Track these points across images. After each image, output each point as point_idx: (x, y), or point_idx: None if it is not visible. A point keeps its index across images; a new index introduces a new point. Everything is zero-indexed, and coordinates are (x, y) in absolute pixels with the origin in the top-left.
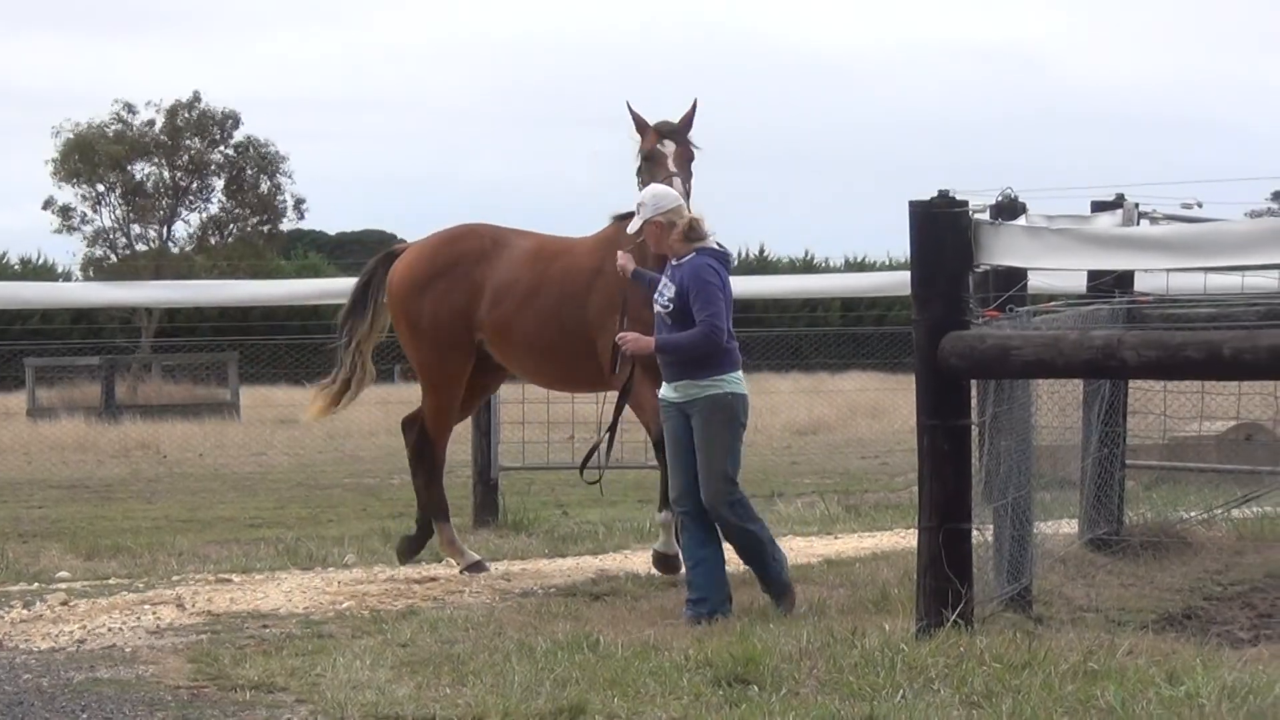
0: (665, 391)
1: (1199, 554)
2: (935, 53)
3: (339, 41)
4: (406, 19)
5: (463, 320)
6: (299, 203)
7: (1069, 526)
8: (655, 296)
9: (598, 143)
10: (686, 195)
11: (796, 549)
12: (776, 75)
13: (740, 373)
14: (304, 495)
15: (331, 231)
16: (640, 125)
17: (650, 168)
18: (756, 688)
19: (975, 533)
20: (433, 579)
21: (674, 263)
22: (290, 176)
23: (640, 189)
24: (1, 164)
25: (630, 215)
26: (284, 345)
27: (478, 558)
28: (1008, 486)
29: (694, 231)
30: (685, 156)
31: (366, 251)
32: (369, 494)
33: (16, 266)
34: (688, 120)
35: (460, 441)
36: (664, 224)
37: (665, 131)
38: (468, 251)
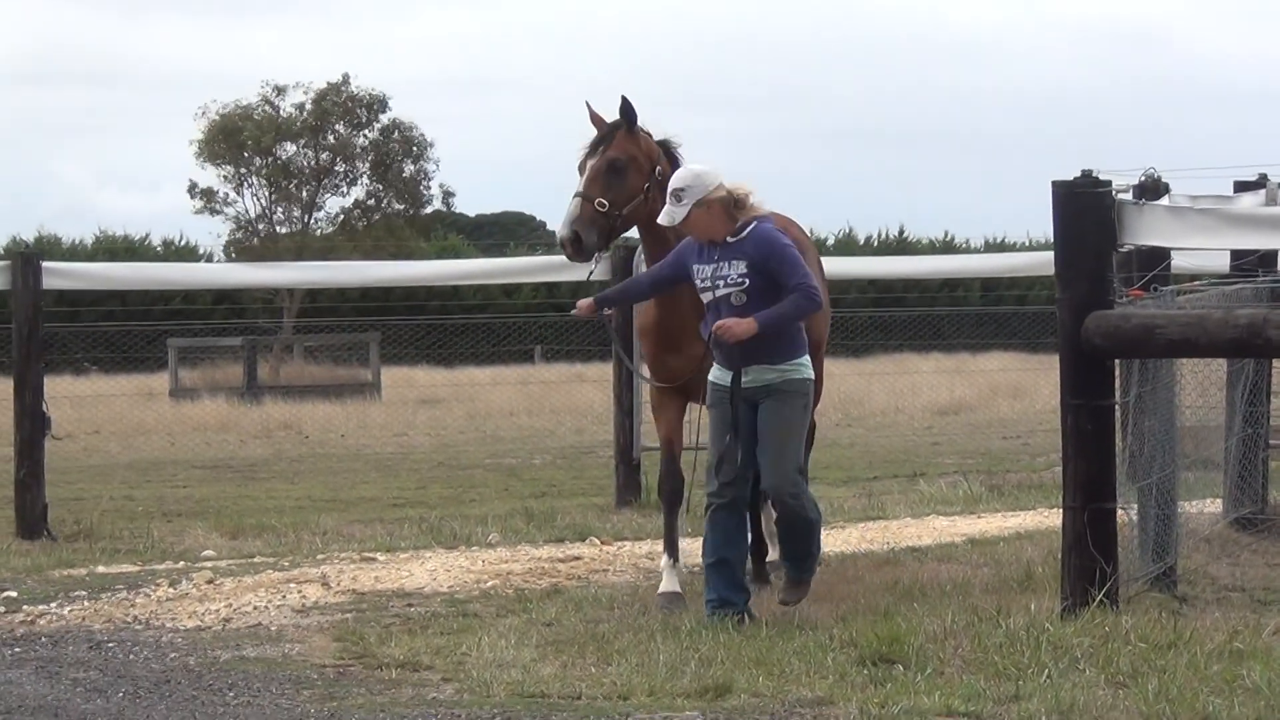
0: (721, 376)
1: None
2: (1071, 30)
3: (482, 21)
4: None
5: None
6: (448, 195)
7: (1213, 506)
8: (707, 283)
9: (736, 124)
10: (607, 211)
11: (940, 529)
12: (914, 54)
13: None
14: (445, 475)
15: (471, 214)
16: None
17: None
18: (901, 667)
19: (1120, 512)
20: (576, 558)
21: (729, 240)
22: (436, 164)
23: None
24: (144, 146)
25: None
26: (425, 326)
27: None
28: (1152, 466)
29: (741, 202)
30: (606, 166)
31: (505, 233)
32: (510, 474)
33: (159, 248)
34: (619, 123)
35: (604, 422)
36: (714, 202)
37: (593, 143)
38: None
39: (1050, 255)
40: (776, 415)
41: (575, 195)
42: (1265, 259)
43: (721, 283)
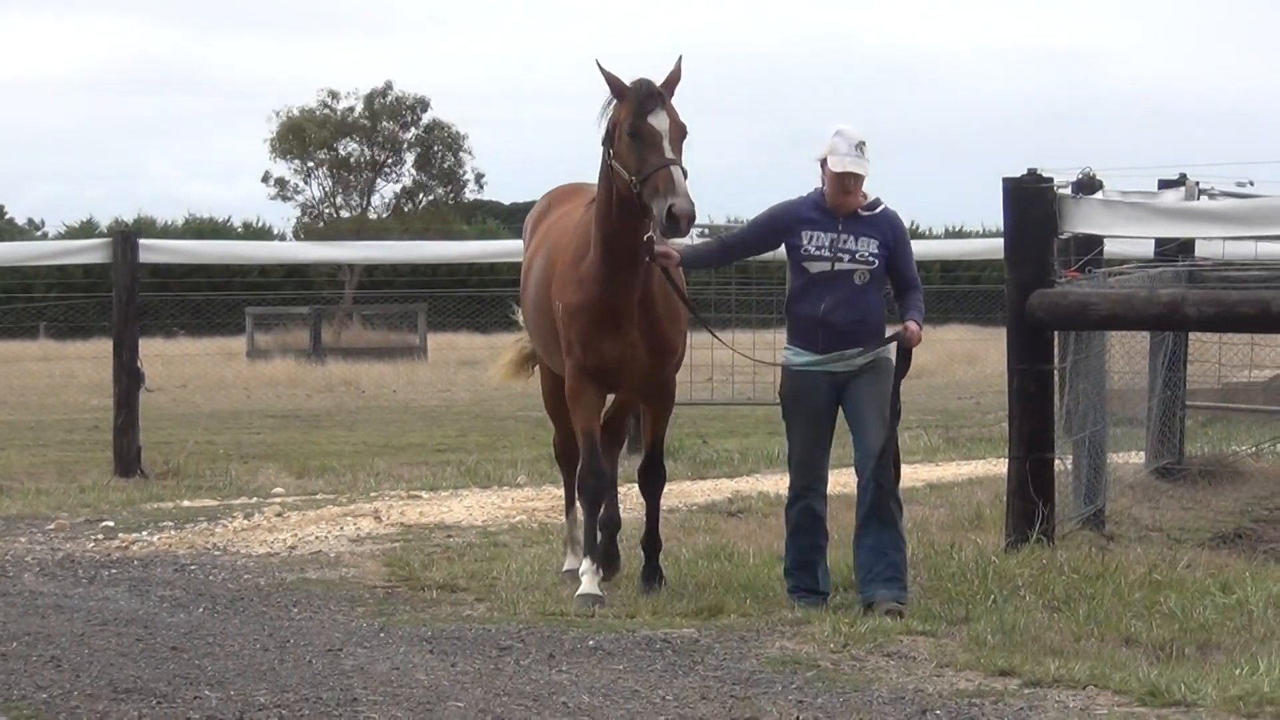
0: (809, 361)
1: (1249, 482)
2: (1009, 54)
3: (510, 37)
4: (569, 19)
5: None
6: (479, 177)
7: (1137, 458)
8: (825, 253)
9: (737, 130)
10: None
11: (903, 475)
12: (878, 73)
13: None
14: (482, 425)
15: (506, 202)
16: (617, 89)
17: (639, 147)
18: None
19: (1057, 462)
20: None
21: (861, 213)
22: (470, 153)
23: (616, 165)
24: (224, 145)
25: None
26: (465, 297)
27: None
28: (1085, 423)
29: None
30: (680, 133)
31: None
32: (538, 425)
33: (239, 229)
34: (672, 82)
35: None
36: (859, 176)
37: (649, 100)
38: (531, 218)
39: (1000, 242)
40: (869, 395)
41: (672, 165)
42: (1184, 246)
43: (847, 256)
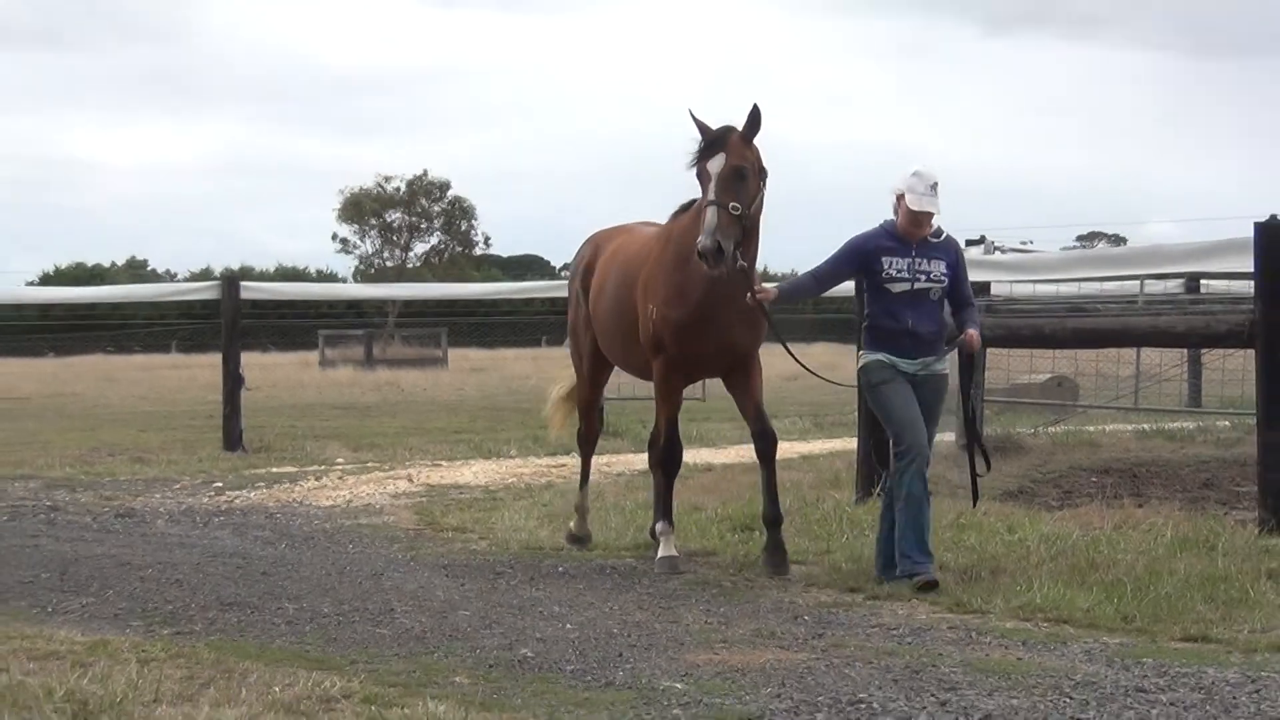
0: (895, 360)
1: (1028, 454)
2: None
3: (511, 135)
4: (552, 120)
5: (582, 316)
6: (486, 237)
7: (949, 436)
8: (905, 275)
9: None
10: (741, 215)
11: (784, 449)
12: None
13: None
14: (486, 414)
15: (505, 255)
16: (704, 134)
17: (701, 187)
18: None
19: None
20: (562, 465)
21: (931, 239)
22: (479, 220)
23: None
24: (303, 214)
25: (690, 204)
26: (475, 323)
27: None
28: None
29: None
30: (733, 173)
31: (525, 268)
32: (526, 414)
33: (314, 274)
34: (749, 132)
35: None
36: (932, 213)
37: (711, 146)
38: (582, 259)
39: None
40: (933, 400)
41: (710, 204)
42: (983, 287)
43: (924, 277)
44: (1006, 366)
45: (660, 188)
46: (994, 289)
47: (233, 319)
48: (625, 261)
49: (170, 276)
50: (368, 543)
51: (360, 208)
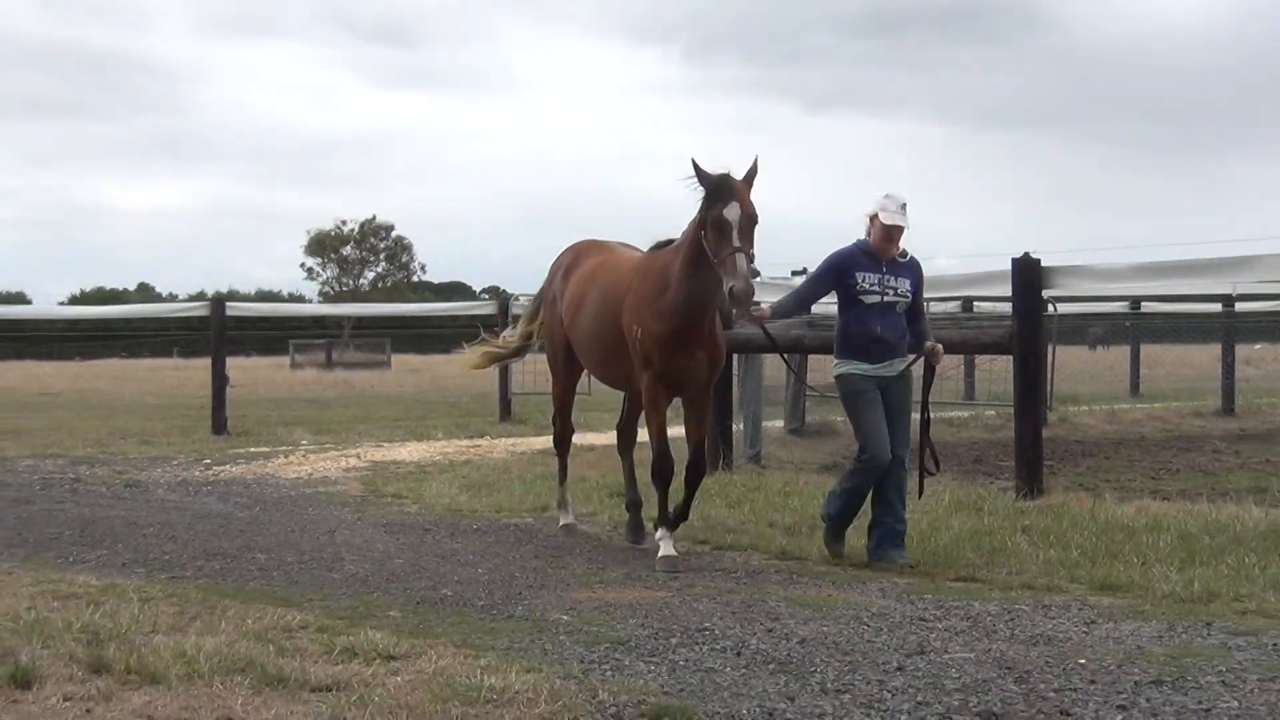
0: (867, 368)
1: (840, 438)
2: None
3: (441, 186)
4: (473, 174)
5: (557, 317)
6: (422, 267)
7: (779, 423)
8: (876, 288)
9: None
10: (752, 260)
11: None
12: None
13: None
14: (420, 406)
15: (437, 281)
16: (705, 181)
17: (717, 235)
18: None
19: (734, 425)
20: (478, 445)
21: (898, 259)
22: (415, 253)
23: (705, 243)
24: (277, 248)
25: (668, 242)
26: (413, 334)
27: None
28: (749, 403)
29: None
30: (749, 222)
31: (453, 292)
32: (452, 406)
33: (286, 296)
34: (750, 177)
35: (488, 378)
36: (903, 228)
37: (725, 194)
38: (562, 263)
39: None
40: (903, 396)
41: (737, 250)
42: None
43: (891, 292)
44: (824, 369)
45: (558, 228)
46: (815, 309)
47: (220, 331)
48: (607, 287)
49: (172, 298)
50: (324, 506)
51: (322, 244)
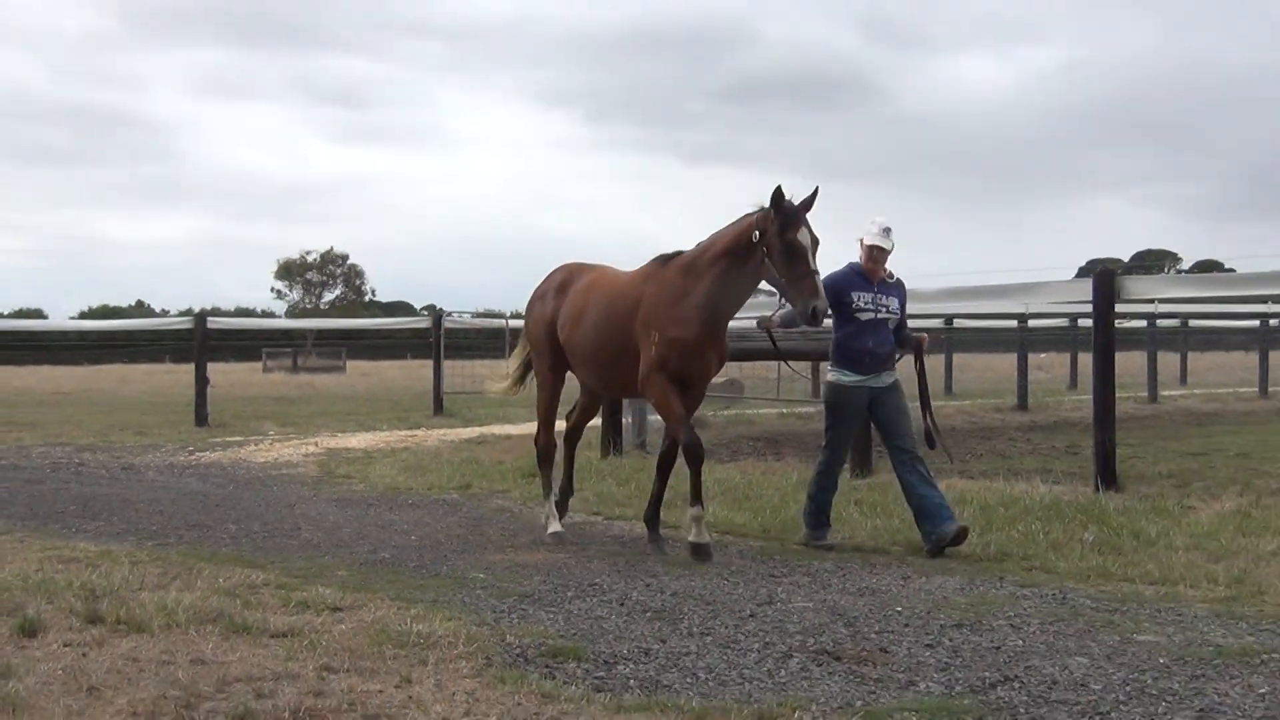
0: (855, 378)
1: (710, 428)
2: (609, 234)
3: (386, 222)
4: (416, 213)
5: (549, 331)
6: (373, 290)
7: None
8: (870, 306)
9: (501, 273)
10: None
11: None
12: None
13: None
14: (369, 403)
15: (385, 300)
16: (778, 206)
17: (790, 257)
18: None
19: (624, 417)
20: (415, 435)
21: (889, 280)
22: (366, 277)
23: (770, 264)
24: (251, 273)
25: (673, 255)
26: (365, 343)
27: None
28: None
29: None
30: (816, 245)
31: (400, 310)
32: (394, 403)
33: (259, 312)
34: (809, 204)
35: (428, 380)
36: (885, 250)
37: (798, 219)
38: (554, 281)
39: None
40: (897, 401)
41: (815, 272)
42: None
43: (884, 309)
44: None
45: (486, 258)
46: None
47: (202, 341)
48: (610, 299)
49: (165, 313)
50: (286, 485)
51: (290, 270)
